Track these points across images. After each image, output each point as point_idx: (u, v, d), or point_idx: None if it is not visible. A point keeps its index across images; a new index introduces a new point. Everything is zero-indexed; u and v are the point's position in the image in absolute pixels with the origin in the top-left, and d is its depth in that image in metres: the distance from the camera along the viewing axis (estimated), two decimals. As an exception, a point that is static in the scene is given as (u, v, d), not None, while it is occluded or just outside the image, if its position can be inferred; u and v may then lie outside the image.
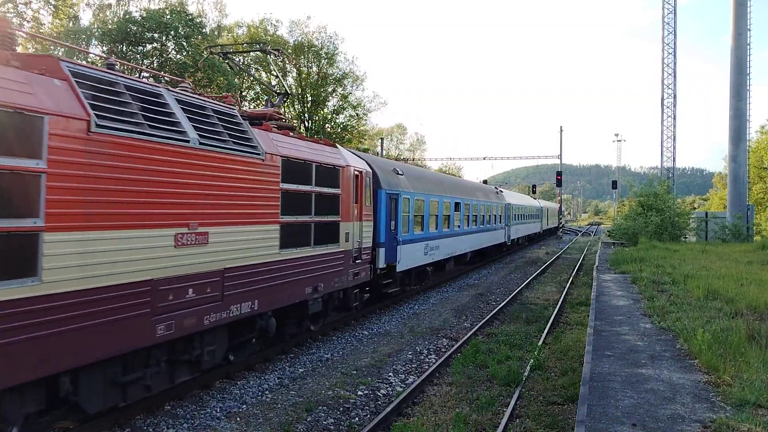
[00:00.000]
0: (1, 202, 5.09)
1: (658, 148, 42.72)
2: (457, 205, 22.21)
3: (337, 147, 12.39)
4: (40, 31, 28.80)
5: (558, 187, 66.98)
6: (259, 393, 8.94)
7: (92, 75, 6.42)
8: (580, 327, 13.64)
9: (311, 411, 8.21)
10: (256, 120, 10.18)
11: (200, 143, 7.70)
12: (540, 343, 12.20)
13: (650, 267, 18.63)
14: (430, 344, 12.40)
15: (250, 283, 8.88)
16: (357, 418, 8.18)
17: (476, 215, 25.32)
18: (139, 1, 37.32)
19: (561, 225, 69.52)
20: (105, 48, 31.79)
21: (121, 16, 33.70)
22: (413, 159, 76.08)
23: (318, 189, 10.78)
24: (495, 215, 29.52)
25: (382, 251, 14.60)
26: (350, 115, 49.77)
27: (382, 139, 65.29)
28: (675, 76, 41.26)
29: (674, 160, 41.82)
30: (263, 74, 47.44)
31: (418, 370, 10.51)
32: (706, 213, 38.01)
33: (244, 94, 45.24)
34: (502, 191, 34.48)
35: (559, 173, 61.49)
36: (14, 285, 5.17)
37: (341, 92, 49.02)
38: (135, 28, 30.98)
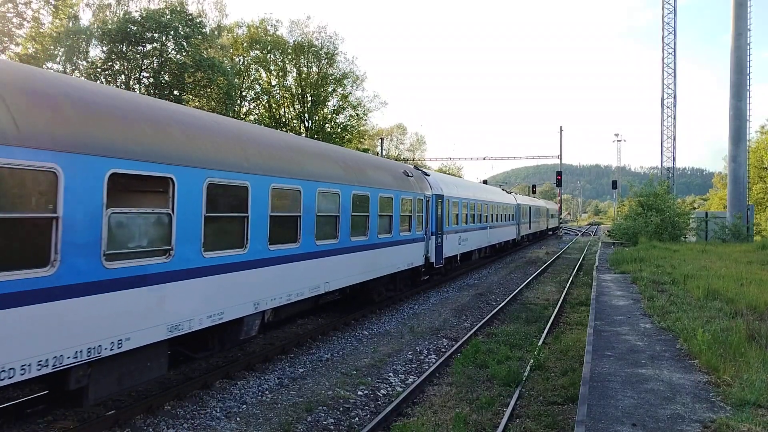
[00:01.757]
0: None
1: (658, 148, 42.80)
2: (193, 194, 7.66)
3: None
4: (40, 31, 28.81)
5: (558, 187, 67.13)
6: (259, 393, 8.94)
7: None
8: (580, 327, 13.64)
9: (311, 411, 8.21)
10: None
11: None
12: (540, 343, 12.21)
13: (650, 267, 18.63)
14: (430, 344, 12.40)
15: None
16: (357, 418, 8.18)
17: (299, 215, 10.52)
18: (139, 1, 37.36)
19: (559, 227, 68.97)
20: (105, 48, 31.79)
21: (121, 16, 33.71)
22: (413, 159, 76.14)
23: None
24: (393, 215, 15.25)
25: None
26: (350, 115, 49.84)
27: (382, 139, 65.32)
28: (675, 76, 41.31)
29: (674, 160, 41.88)
30: (263, 74, 47.48)
31: (418, 370, 10.52)
32: (706, 213, 38.00)
33: (244, 94, 45.25)
34: (428, 174, 20.68)
35: (559, 173, 61.64)
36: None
37: (341, 92, 49.09)
38: (135, 28, 30.99)
